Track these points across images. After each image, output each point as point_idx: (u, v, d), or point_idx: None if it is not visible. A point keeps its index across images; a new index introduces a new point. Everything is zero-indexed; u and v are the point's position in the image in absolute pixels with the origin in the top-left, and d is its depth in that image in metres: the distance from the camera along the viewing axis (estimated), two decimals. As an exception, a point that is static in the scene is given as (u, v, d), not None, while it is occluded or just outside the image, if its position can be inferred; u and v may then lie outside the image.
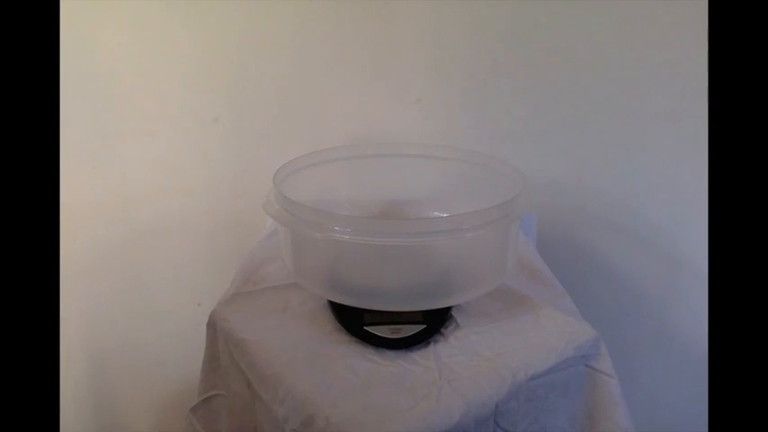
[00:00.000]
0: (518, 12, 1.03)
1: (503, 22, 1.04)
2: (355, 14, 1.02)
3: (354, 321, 0.75)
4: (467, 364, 0.71)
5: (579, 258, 1.18)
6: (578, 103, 1.08)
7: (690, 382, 1.21)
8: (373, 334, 0.73)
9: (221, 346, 0.79)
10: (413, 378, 0.69)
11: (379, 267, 0.74)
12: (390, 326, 0.73)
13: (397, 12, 1.02)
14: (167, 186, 1.08)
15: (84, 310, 1.12)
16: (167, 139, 1.05)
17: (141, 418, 1.24)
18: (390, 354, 0.73)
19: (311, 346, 0.74)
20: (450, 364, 0.71)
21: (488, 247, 0.77)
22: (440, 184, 0.87)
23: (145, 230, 1.10)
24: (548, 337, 0.75)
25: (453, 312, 0.79)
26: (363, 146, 0.95)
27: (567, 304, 0.84)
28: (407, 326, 0.74)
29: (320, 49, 1.03)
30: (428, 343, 0.75)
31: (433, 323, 0.75)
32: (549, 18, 1.03)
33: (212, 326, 0.81)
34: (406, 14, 1.02)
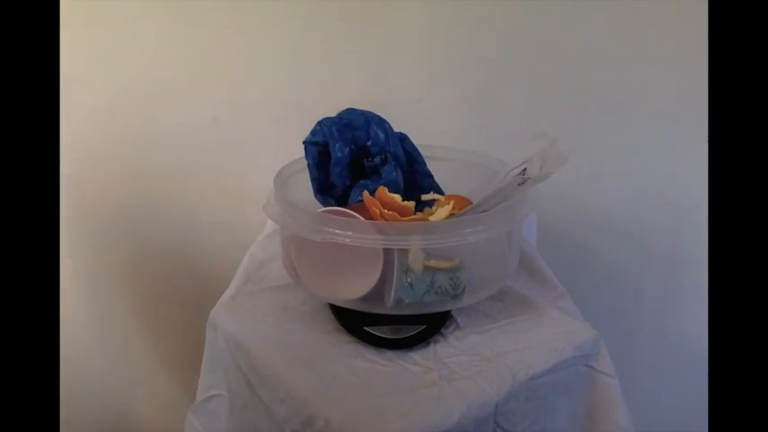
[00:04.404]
0: (518, 12, 1.03)
1: (502, 22, 1.04)
2: (355, 14, 1.02)
3: (354, 321, 0.75)
4: (467, 364, 0.71)
5: (579, 258, 1.18)
6: (578, 103, 1.08)
7: (690, 382, 1.21)
8: (373, 334, 0.73)
9: (221, 346, 0.79)
10: (413, 378, 0.69)
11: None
12: (390, 326, 0.73)
13: (398, 11, 1.02)
14: (167, 186, 1.08)
15: (85, 309, 1.12)
16: (167, 139, 1.05)
17: (141, 418, 1.24)
18: (390, 354, 0.73)
19: (311, 347, 0.74)
20: (450, 364, 0.71)
21: (490, 250, 0.77)
22: (440, 185, 0.87)
23: (145, 230, 1.10)
24: (548, 337, 0.75)
25: (453, 313, 0.79)
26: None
27: (567, 304, 0.84)
28: (407, 326, 0.73)
29: (320, 48, 1.03)
30: (428, 343, 0.75)
31: (433, 323, 0.75)
32: (549, 18, 1.03)
33: (212, 326, 0.81)
34: (407, 14, 1.02)
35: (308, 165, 0.82)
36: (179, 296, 1.15)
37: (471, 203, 0.77)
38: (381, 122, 0.82)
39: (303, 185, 0.84)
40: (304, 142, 0.82)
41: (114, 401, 1.21)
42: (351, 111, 0.83)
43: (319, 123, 0.82)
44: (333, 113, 0.84)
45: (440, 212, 0.72)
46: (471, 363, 0.71)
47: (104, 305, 1.14)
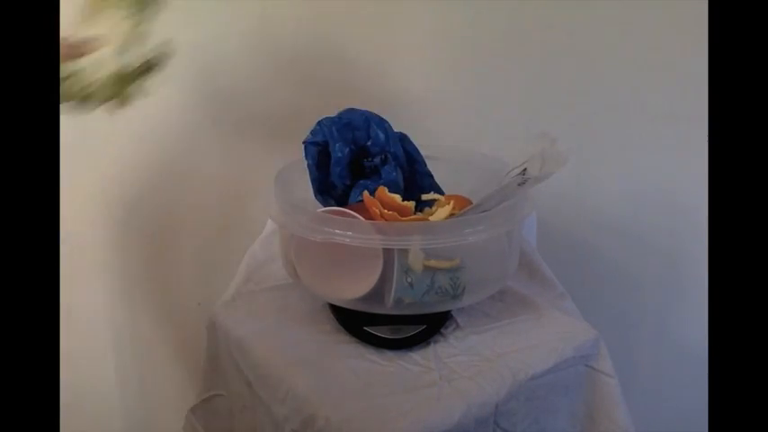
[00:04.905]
0: (518, 11, 1.03)
1: (503, 22, 1.04)
2: (356, 14, 1.02)
3: (354, 321, 0.75)
4: (467, 364, 0.71)
5: (579, 258, 1.18)
6: (578, 104, 1.08)
7: (690, 382, 1.21)
8: (373, 334, 0.73)
9: (221, 346, 0.80)
10: (413, 378, 0.69)
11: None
12: (390, 326, 0.73)
13: (399, 12, 1.02)
14: (167, 187, 1.08)
15: (85, 310, 1.12)
16: (167, 139, 1.05)
17: (141, 418, 1.24)
18: (390, 354, 0.73)
19: (311, 347, 0.74)
20: (450, 364, 0.71)
21: (491, 250, 0.77)
22: (440, 185, 0.87)
23: (145, 231, 1.10)
24: (548, 337, 0.75)
25: (453, 313, 0.79)
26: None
27: (567, 304, 0.84)
28: (407, 326, 0.74)
29: (320, 49, 1.03)
30: (428, 343, 0.75)
31: (433, 323, 0.75)
32: (549, 18, 1.03)
33: (212, 326, 0.81)
34: (408, 14, 1.02)
35: (308, 165, 0.82)
36: (179, 296, 1.15)
37: (471, 203, 0.77)
38: (381, 122, 0.82)
39: (303, 185, 0.84)
40: (304, 142, 0.82)
41: (114, 401, 1.21)
42: (351, 111, 0.83)
43: (319, 123, 0.82)
44: (333, 113, 0.84)
45: (440, 212, 0.72)
46: (471, 363, 0.71)
47: (103, 305, 1.14)
